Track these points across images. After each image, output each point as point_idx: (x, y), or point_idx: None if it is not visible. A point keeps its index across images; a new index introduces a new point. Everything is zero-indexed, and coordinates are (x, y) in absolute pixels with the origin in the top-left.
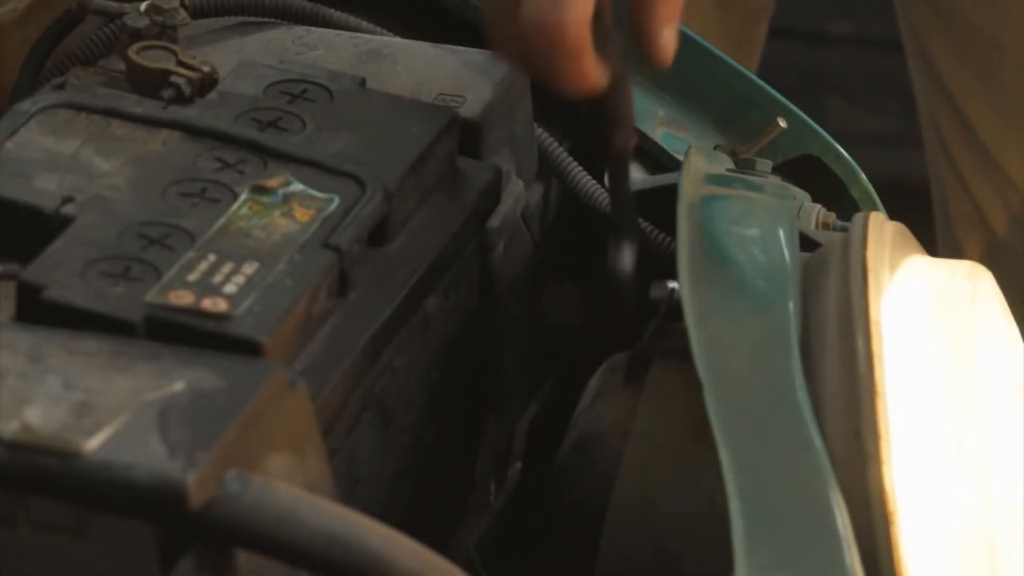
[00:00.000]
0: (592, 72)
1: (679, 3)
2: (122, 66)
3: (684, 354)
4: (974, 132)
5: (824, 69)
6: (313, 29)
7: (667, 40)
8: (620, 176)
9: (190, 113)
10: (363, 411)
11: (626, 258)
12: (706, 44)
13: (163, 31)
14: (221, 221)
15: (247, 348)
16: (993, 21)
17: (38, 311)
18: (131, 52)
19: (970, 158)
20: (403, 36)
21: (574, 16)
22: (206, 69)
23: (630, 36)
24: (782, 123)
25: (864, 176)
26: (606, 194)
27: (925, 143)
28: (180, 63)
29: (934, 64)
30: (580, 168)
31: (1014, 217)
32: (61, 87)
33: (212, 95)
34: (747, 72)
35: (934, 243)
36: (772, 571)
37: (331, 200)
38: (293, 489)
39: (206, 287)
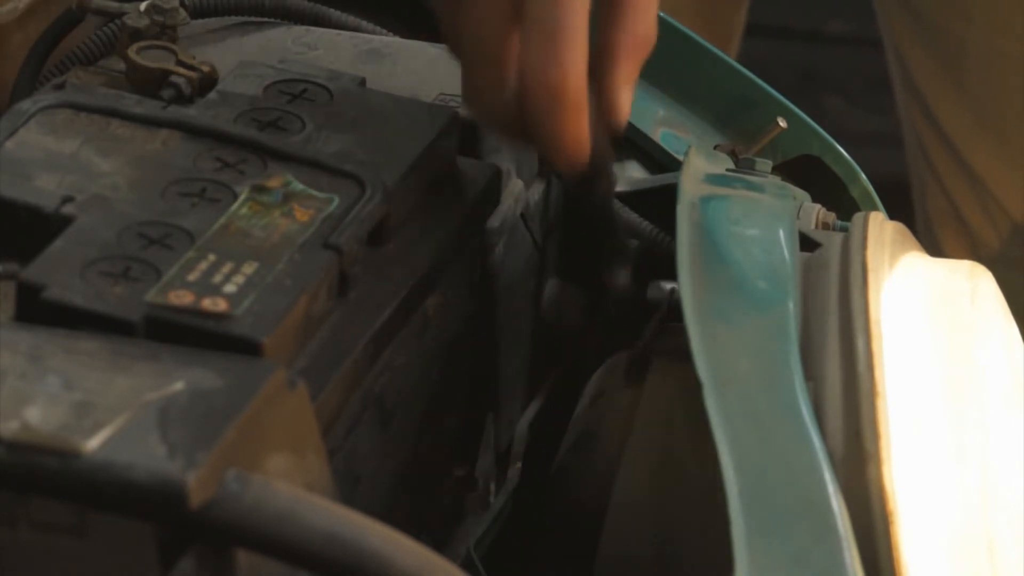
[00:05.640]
0: (586, 133)
1: (639, 62)
2: (122, 66)
3: (684, 354)
4: (944, 130)
5: (823, 69)
6: (313, 29)
7: (624, 98)
8: (605, 212)
9: (190, 113)
10: (363, 411)
11: (621, 279)
12: (706, 44)
13: (163, 31)
14: (221, 221)
15: (247, 348)
16: (956, 20)
17: (38, 311)
18: (131, 52)
19: (942, 155)
20: (403, 36)
21: (575, 68)
22: (206, 69)
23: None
24: (782, 123)
25: (864, 176)
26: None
27: (905, 140)
28: (180, 63)
29: (907, 64)
30: None
31: (987, 213)
32: (61, 87)
33: (212, 95)
34: (747, 72)
35: None
36: (772, 571)
37: (331, 200)
38: (293, 489)
39: (206, 287)
